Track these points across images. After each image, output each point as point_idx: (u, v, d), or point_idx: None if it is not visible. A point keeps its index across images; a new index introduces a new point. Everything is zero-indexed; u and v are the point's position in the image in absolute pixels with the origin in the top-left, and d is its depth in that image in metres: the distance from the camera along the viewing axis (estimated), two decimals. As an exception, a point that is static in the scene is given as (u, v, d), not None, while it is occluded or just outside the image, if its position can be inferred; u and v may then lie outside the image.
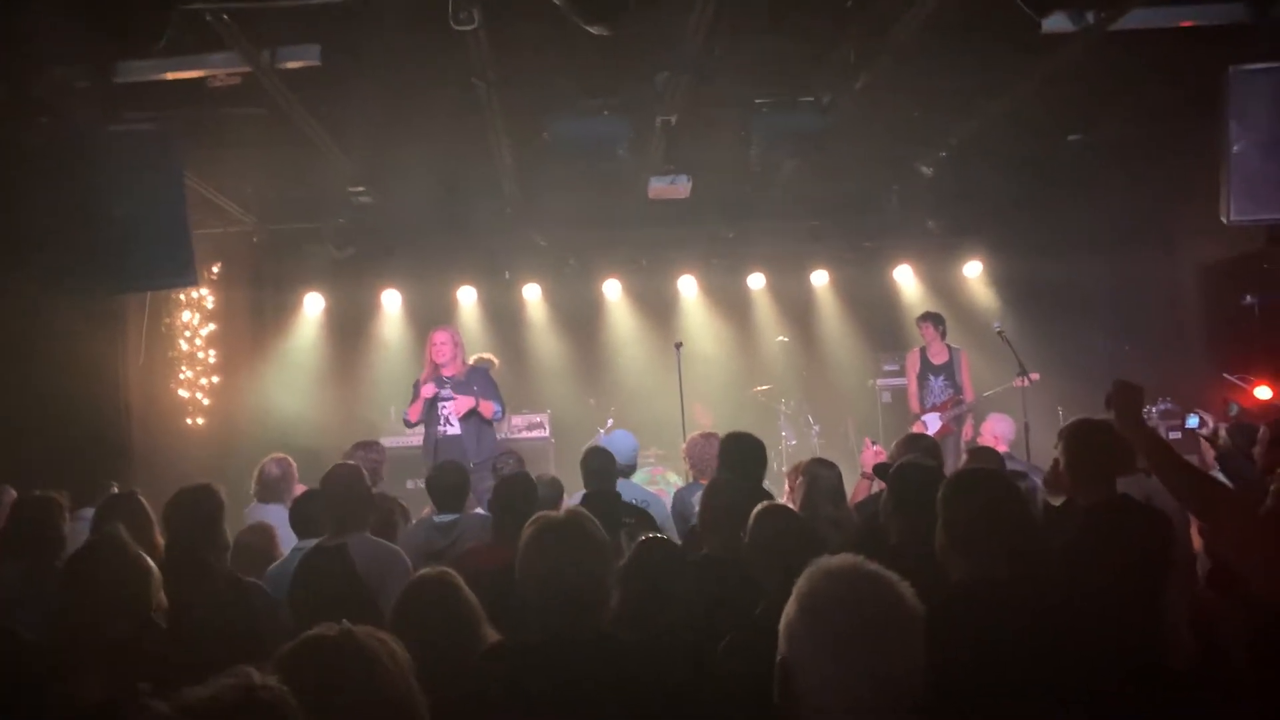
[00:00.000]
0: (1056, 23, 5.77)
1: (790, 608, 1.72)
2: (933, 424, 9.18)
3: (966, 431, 9.18)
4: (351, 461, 4.75)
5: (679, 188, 7.88)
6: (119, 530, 2.48)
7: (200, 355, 9.54)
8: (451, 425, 7.88)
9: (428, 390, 7.84)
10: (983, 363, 9.81)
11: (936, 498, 3.46)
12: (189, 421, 9.33)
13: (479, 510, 5.50)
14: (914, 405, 9.56)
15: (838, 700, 1.62)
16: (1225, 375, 8.49)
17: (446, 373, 7.98)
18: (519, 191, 8.93)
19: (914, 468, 3.79)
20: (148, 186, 6.05)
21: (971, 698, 2.09)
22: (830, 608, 1.68)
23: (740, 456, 4.74)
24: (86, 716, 2.07)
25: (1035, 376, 8.78)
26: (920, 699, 1.62)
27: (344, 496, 4.13)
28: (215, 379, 9.63)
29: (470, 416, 7.84)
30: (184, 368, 9.37)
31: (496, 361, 9.91)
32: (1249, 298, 9.17)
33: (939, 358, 9.45)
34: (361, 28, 5.82)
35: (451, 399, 7.89)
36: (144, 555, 2.44)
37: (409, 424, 8.20)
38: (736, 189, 9.21)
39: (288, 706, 1.47)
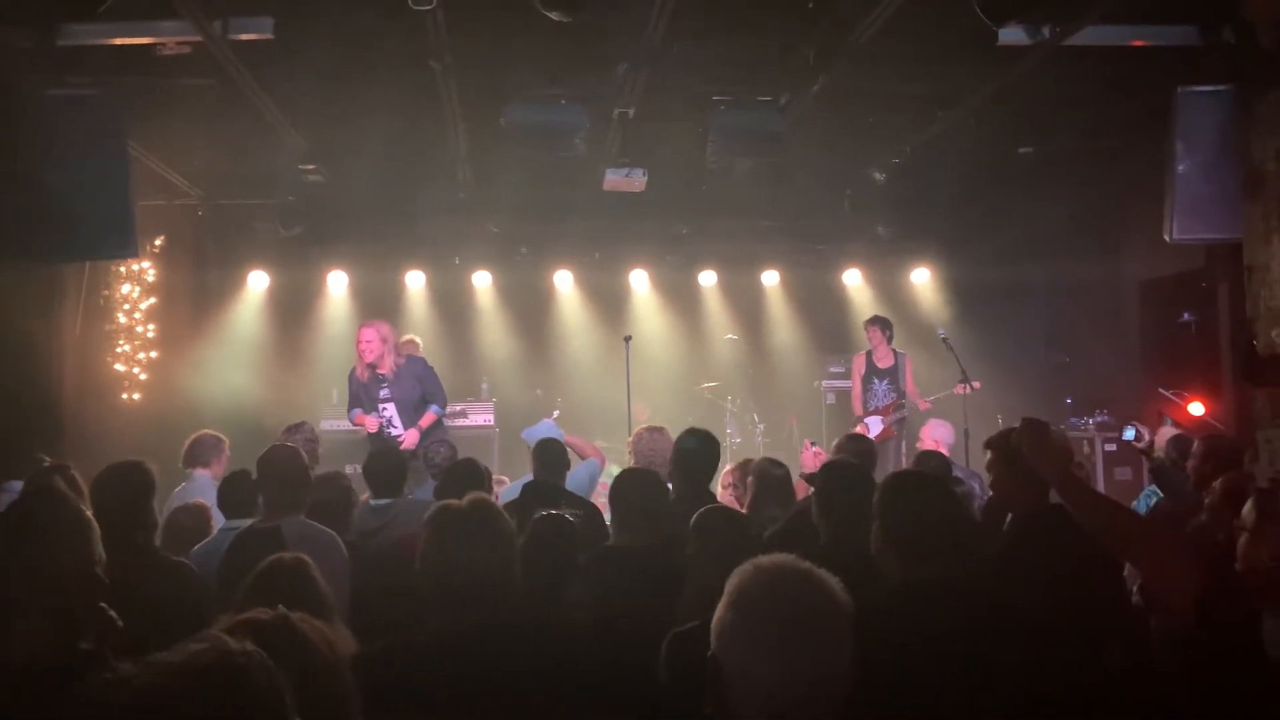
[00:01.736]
0: (1012, 35, 5.84)
1: (722, 604, 1.72)
2: (875, 427, 9.27)
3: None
4: (290, 444, 4.68)
5: (634, 181, 7.86)
6: (57, 482, 2.37)
7: (139, 329, 9.34)
8: (395, 427, 7.78)
9: (371, 424, 7.73)
10: (927, 369, 9.93)
11: (862, 497, 3.50)
12: (125, 396, 9.13)
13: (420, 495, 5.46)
14: (857, 408, 9.65)
15: (765, 697, 1.61)
16: (1161, 390, 8.66)
17: (379, 371, 7.85)
18: (472, 177, 8.85)
19: (840, 467, 3.81)
20: (90, 154, 5.88)
21: (907, 696, 2.10)
22: (761, 604, 1.68)
23: (701, 455, 4.78)
24: (35, 677, 1.96)
25: (977, 384, 8.90)
26: (847, 698, 1.62)
27: (281, 478, 4.07)
28: (154, 354, 9.42)
29: (412, 418, 7.75)
30: (122, 341, 9.16)
31: (420, 342, 9.80)
32: (1186, 315, 9.37)
33: (884, 362, 9.55)
34: (317, 2, 5.73)
35: (390, 400, 7.80)
36: (84, 509, 2.33)
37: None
38: (691, 185, 9.22)
39: (267, 673, 1.32)
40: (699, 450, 4.76)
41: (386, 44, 6.07)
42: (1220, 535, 3.68)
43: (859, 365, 9.71)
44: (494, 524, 2.51)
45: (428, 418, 7.75)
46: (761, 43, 6.38)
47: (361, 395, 7.89)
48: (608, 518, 5.30)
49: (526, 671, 2.33)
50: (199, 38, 5.69)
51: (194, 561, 4.04)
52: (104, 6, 4.62)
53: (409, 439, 7.58)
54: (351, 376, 8.01)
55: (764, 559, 1.75)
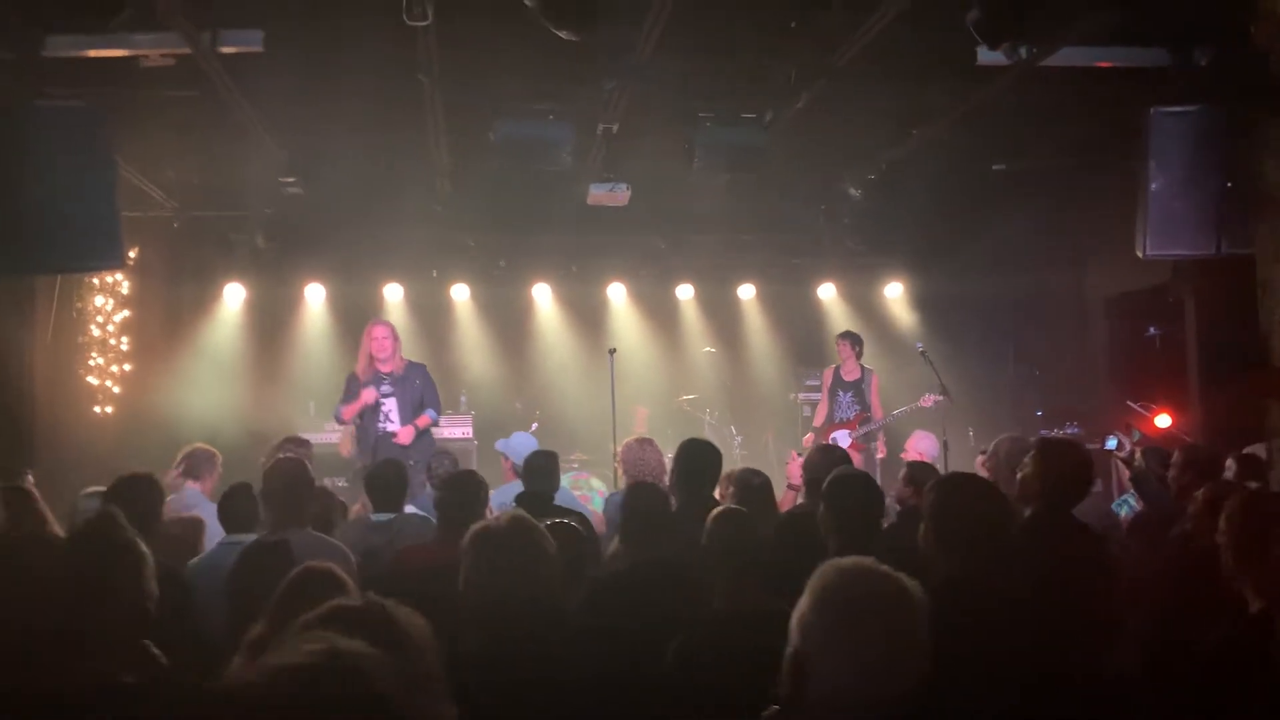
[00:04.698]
0: (991, 56, 5.98)
1: (804, 602, 1.80)
2: (842, 441, 9.36)
3: (879, 449, 9.45)
4: (293, 456, 4.67)
5: (618, 195, 7.92)
6: (117, 512, 2.37)
7: (112, 342, 9.26)
8: (391, 422, 7.80)
9: (369, 395, 7.72)
10: (897, 382, 10.06)
11: (872, 505, 3.58)
12: (97, 409, 9.04)
13: (411, 509, 5.45)
14: (818, 418, 9.79)
15: (846, 691, 1.69)
16: (1128, 403, 8.83)
17: (385, 369, 7.87)
18: (452, 190, 8.87)
19: (849, 477, 3.87)
20: (75, 165, 5.81)
21: (961, 689, 2.16)
22: (846, 601, 1.76)
23: (704, 465, 4.81)
24: (70, 708, 1.94)
25: (940, 398, 9.04)
26: (917, 692, 1.69)
27: (286, 492, 4.05)
28: (127, 367, 9.35)
29: (410, 418, 7.79)
30: (94, 354, 9.07)
31: None
32: (1152, 329, 9.58)
33: (850, 375, 9.68)
34: (308, 17, 5.74)
35: (392, 395, 7.81)
36: (139, 542, 2.33)
37: (340, 421, 8.04)
38: (671, 200, 9.29)
39: (383, 672, 1.22)
40: (702, 460, 4.80)
41: (375, 58, 6.08)
42: (1204, 543, 3.79)
43: (828, 378, 9.84)
44: (538, 544, 2.52)
45: (424, 420, 7.83)
46: (746, 61, 6.48)
47: (361, 392, 7.87)
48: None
49: (564, 685, 2.37)
50: (185, 50, 5.67)
51: (193, 575, 4.03)
52: (117, 19, 4.59)
53: (405, 434, 7.69)
54: (351, 376, 7.98)
55: (843, 561, 1.83)
